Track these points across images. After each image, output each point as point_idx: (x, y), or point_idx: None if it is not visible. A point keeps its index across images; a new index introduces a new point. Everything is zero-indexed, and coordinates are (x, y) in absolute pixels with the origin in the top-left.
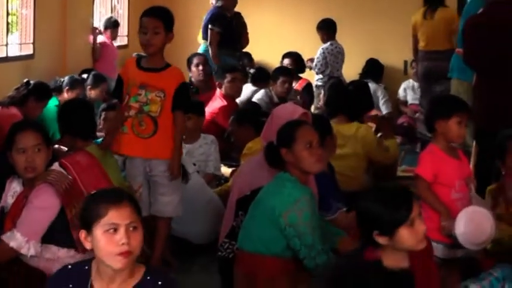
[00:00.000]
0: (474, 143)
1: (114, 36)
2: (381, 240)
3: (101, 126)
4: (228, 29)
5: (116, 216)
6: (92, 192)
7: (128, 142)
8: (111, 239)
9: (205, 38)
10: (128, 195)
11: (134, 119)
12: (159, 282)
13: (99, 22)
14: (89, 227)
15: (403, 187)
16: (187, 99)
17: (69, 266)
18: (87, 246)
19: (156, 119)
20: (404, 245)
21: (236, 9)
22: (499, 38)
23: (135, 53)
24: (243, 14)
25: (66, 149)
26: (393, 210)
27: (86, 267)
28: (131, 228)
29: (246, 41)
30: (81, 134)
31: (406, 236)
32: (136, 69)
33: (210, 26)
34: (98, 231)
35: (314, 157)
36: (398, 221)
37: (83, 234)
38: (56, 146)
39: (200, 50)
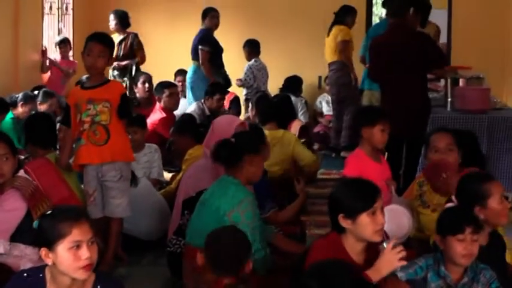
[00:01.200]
0: None
1: (64, 55)
2: (345, 223)
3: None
4: (215, 48)
5: (79, 234)
6: (48, 212)
7: (85, 152)
8: (75, 255)
9: (195, 58)
10: (84, 212)
11: (89, 131)
12: None
13: (47, 43)
14: (50, 245)
15: (372, 182)
16: (130, 107)
17: (25, 274)
18: (48, 262)
19: (108, 127)
20: (363, 231)
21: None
22: (397, 55)
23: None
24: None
25: (22, 157)
26: (359, 196)
27: (41, 275)
28: (90, 243)
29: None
30: (42, 143)
31: (366, 223)
32: (81, 91)
33: (200, 47)
34: (62, 248)
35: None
36: (362, 207)
37: (43, 252)
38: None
39: (190, 70)
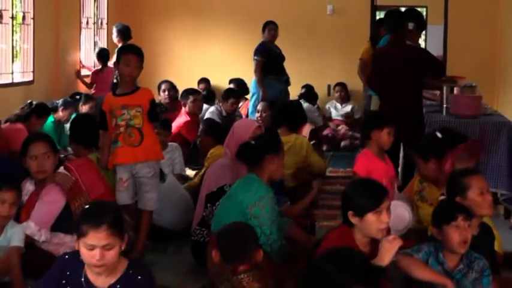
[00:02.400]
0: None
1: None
2: (353, 219)
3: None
4: (270, 58)
5: (94, 239)
6: (86, 207)
7: (121, 153)
8: (89, 254)
9: None
10: (109, 220)
11: (124, 134)
12: (139, 277)
13: (83, 55)
14: (78, 237)
15: (381, 184)
16: (158, 112)
17: (67, 256)
18: (77, 248)
19: (141, 129)
20: (369, 228)
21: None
22: (395, 66)
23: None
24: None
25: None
26: (368, 197)
27: (81, 258)
28: (106, 249)
29: None
30: (84, 143)
31: (372, 221)
32: (114, 98)
33: (254, 57)
34: (81, 245)
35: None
36: (370, 206)
37: (74, 238)
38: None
39: (253, 79)
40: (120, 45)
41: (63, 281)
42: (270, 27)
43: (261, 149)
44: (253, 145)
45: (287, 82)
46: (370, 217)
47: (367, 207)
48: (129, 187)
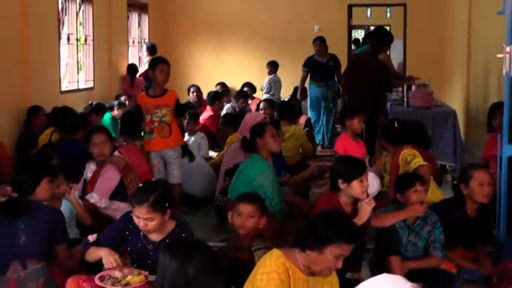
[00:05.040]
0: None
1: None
2: (342, 186)
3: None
4: (314, 68)
5: (138, 213)
6: (137, 186)
7: (156, 142)
8: (136, 221)
9: None
10: (150, 200)
11: (158, 128)
12: (183, 234)
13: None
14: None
15: (362, 160)
16: (183, 109)
17: (130, 213)
18: None
19: (170, 124)
20: (354, 192)
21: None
22: (363, 72)
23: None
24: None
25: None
26: (354, 168)
27: None
28: (149, 220)
29: None
30: (131, 133)
31: (357, 186)
32: (148, 98)
33: (302, 68)
34: (134, 215)
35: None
36: (356, 175)
37: (127, 205)
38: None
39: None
40: (148, 58)
41: (127, 232)
42: (316, 43)
43: (252, 137)
44: (246, 138)
45: (328, 87)
46: (355, 183)
47: (353, 176)
48: (160, 169)
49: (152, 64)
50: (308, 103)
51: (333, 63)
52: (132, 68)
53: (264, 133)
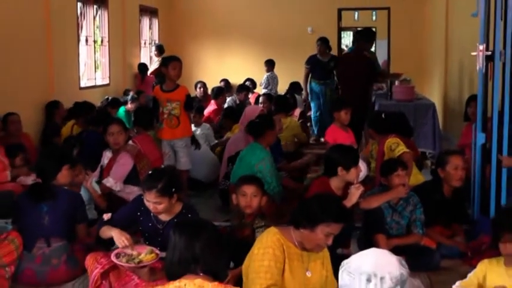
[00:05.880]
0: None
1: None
2: (341, 172)
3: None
4: (316, 66)
5: (148, 197)
6: (147, 173)
7: (165, 132)
8: (147, 204)
9: None
10: (158, 186)
11: (167, 119)
12: (189, 215)
13: (147, 59)
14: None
15: (356, 149)
16: (192, 103)
17: (142, 197)
18: None
19: (179, 117)
20: (351, 177)
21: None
22: (353, 67)
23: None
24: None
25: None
26: (352, 157)
27: None
28: (158, 204)
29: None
30: (144, 125)
31: (353, 172)
32: (161, 92)
33: (304, 65)
34: (144, 199)
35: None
36: (354, 163)
37: (139, 189)
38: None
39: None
40: (157, 58)
41: (138, 213)
42: (318, 43)
43: (263, 126)
44: (258, 123)
45: (326, 85)
46: (353, 170)
47: (352, 164)
48: (170, 157)
49: (165, 62)
50: (310, 97)
51: (333, 63)
52: (142, 67)
53: (274, 127)
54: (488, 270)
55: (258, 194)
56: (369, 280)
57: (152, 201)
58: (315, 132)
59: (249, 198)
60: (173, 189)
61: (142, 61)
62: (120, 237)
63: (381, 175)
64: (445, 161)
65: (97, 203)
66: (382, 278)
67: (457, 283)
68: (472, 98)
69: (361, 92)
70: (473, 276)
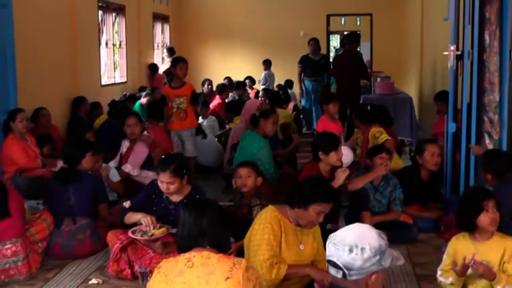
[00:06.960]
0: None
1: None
2: (322, 156)
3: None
4: (308, 65)
5: (162, 178)
6: (161, 157)
7: (174, 124)
8: (161, 185)
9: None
10: (171, 167)
11: (176, 113)
12: (197, 196)
13: (159, 60)
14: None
15: (338, 136)
16: (197, 98)
17: (155, 181)
18: None
19: (186, 110)
20: (332, 161)
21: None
22: (345, 66)
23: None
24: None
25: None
26: (331, 143)
27: None
28: (171, 184)
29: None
30: (156, 117)
31: (334, 156)
32: (170, 89)
33: (298, 64)
34: (158, 181)
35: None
36: (333, 148)
37: (155, 174)
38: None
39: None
40: (168, 59)
41: (153, 196)
42: (310, 42)
43: (259, 117)
44: (255, 114)
45: (317, 82)
46: (333, 154)
47: (331, 148)
48: (179, 145)
49: (174, 62)
50: (302, 94)
51: (324, 61)
52: (153, 67)
53: (268, 117)
54: (456, 246)
55: (251, 174)
56: (351, 250)
57: (166, 182)
58: (305, 123)
59: (244, 179)
60: (184, 171)
61: (155, 62)
62: (146, 218)
63: (367, 157)
64: (423, 149)
65: (113, 189)
66: (362, 249)
67: (438, 272)
68: (438, 97)
69: (354, 86)
70: (447, 257)
